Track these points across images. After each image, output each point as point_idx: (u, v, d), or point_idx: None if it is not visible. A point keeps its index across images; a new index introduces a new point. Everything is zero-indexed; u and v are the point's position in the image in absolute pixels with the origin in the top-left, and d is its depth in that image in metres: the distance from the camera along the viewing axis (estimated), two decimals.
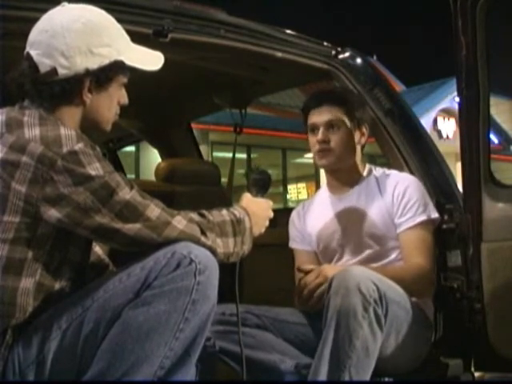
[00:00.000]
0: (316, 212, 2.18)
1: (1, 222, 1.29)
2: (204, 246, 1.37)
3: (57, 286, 1.37)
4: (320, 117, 2.04)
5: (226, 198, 3.29)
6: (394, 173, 2.12)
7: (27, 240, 1.31)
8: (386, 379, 1.85)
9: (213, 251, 1.39)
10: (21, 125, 1.32)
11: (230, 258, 1.46)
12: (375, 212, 2.03)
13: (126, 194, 1.33)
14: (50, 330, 1.30)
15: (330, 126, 2.03)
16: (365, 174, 2.12)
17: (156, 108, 3.19)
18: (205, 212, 1.44)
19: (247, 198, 1.65)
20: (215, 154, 12.10)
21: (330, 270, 1.85)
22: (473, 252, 2.07)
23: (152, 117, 3.31)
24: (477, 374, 2.13)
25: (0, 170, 1.29)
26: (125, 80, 1.48)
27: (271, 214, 1.65)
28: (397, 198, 2.01)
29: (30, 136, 1.30)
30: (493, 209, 2.04)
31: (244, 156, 13.34)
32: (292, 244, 2.22)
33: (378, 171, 2.12)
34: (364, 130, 2.10)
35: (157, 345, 1.28)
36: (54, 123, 1.34)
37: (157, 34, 1.93)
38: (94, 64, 1.38)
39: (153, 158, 5.30)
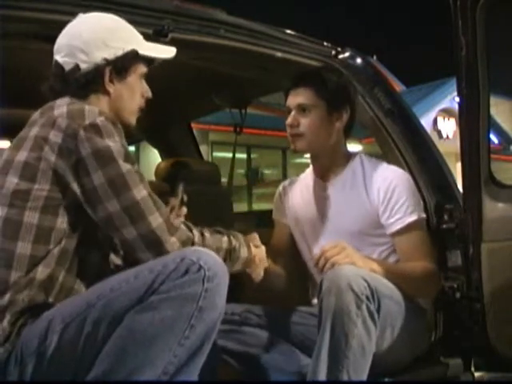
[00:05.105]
0: (299, 192, 2.13)
1: (31, 191, 1.37)
2: None
3: (88, 259, 1.45)
4: (293, 99, 1.99)
5: (226, 197, 3.29)
6: (381, 166, 2.01)
7: (56, 207, 1.39)
8: (386, 379, 1.85)
9: None
10: (52, 108, 1.46)
11: None
12: (356, 208, 1.96)
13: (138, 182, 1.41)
14: (54, 323, 1.30)
15: (301, 108, 1.97)
16: (350, 161, 2.03)
17: (156, 108, 3.18)
18: (207, 235, 1.50)
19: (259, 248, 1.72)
20: (215, 154, 12.09)
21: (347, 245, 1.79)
22: (473, 252, 2.06)
23: (152, 117, 3.30)
24: (477, 374, 2.13)
25: (33, 145, 1.41)
26: (143, 70, 1.62)
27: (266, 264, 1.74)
28: (384, 197, 1.92)
29: (58, 113, 1.42)
30: (493, 209, 2.04)
31: (244, 156, 13.33)
32: (275, 215, 2.19)
33: (365, 161, 2.03)
34: (344, 113, 1.99)
35: (161, 350, 1.27)
36: (80, 103, 1.46)
37: (157, 33, 1.93)
38: (110, 55, 1.53)
39: (153, 158, 5.29)
